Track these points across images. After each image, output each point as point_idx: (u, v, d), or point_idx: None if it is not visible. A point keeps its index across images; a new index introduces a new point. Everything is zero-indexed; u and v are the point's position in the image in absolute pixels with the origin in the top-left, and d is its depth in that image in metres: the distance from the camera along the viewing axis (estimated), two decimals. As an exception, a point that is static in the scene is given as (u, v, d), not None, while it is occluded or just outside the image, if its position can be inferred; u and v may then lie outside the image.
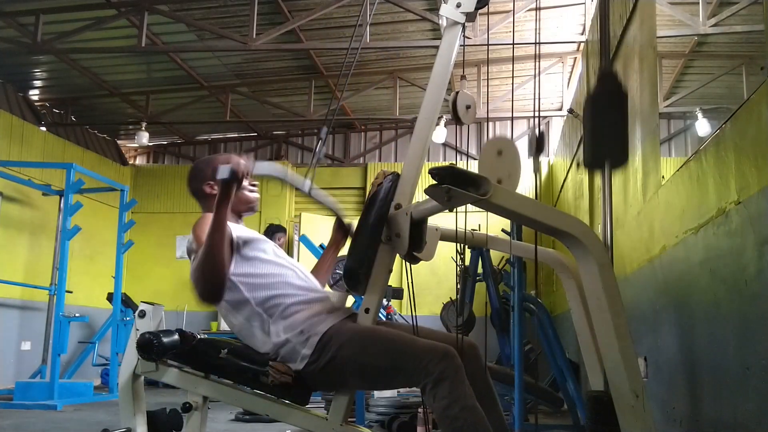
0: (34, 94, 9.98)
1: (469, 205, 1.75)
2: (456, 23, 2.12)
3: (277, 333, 2.16)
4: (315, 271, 2.57)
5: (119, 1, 7.35)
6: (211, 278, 2.12)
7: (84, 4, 7.32)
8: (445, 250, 3.27)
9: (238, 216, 2.46)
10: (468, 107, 2.03)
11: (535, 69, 3.55)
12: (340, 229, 2.59)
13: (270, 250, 2.35)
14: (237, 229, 2.32)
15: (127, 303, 8.44)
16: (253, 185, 2.47)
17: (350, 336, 2.10)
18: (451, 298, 6.10)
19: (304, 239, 6.73)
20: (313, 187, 2.46)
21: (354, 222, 2.40)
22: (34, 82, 9.66)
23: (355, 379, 2.13)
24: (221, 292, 2.17)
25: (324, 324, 2.15)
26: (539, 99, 8.97)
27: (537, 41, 6.65)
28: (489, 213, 1.80)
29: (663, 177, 3.51)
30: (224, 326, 9.90)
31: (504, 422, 2.21)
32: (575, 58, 8.98)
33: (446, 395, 1.92)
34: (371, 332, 2.12)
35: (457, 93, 2.06)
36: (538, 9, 6.87)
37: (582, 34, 7.84)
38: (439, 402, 1.92)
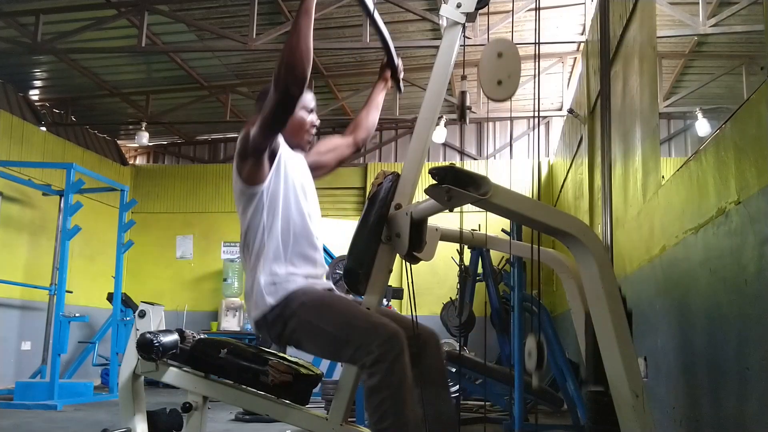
0: (34, 94, 9.98)
1: (469, 205, 1.75)
2: (456, 23, 2.12)
3: (260, 272, 2.22)
4: (365, 109, 2.67)
5: (119, 1, 7.35)
6: (301, 57, 2.00)
7: (84, 4, 7.32)
8: (446, 251, 3.27)
9: (290, 148, 2.42)
10: (468, 108, 2.03)
11: (534, 69, 3.54)
12: (388, 65, 2.59)
13: (308, 192, 2.40)
14: (287, 154, 2.34)
15: (127, 303, 8.45)
16: (311, 110, 2.45)
17: (312, 298, 2.17)
18: (451, 298, 6.10)
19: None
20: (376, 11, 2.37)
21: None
22: (34, 82, 9.66)
23: (308, 342, 2.18)
24: (307, 73, 2.04)
25: (296, 284, 2.21)
26: (539, 99, 8.97)
27: (537, 41, 6.66)
28: (489, 213, 1.80)
29: (663, 177, 3.51)
30: (224, 326, 9.91)
31: (453, 414, 2.23)
32: (575, 58, 8.98)
33: (379, 377, 1.95)
34: (331, 300, 2.19)
35: (464, 92, 2.06)
36: (537, 9, 6.87)
37: (582, 34, 7.84)
38: (370, 381, 1.96)
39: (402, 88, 2.63)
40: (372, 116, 2.68)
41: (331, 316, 2.12)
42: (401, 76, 2.61)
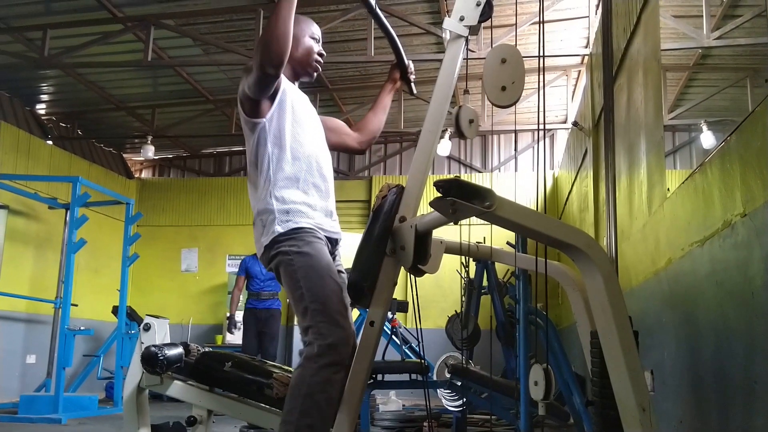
0: (40, 108, 10.05)
1: (473, 218, 1.75)
2: (459, 36, 2.12)
3: (272, 198, 2.27)
4: (372, 111, 2.75)
5: (126, 16, 7.41)
6: (278, 40, 2.09)
7: (91, 19, 7.38)
8: (450, 263, 3.27)
9: (295, 78, 2.51)
10: (471, 121, 2.03)
11: (539, 82, 3.54)
12: (398, 66, 2.60)
13: (315, 127, 2.47)
14: (292, 91, 2.42)
15: (132, 316, 8.44)
16: (318, 40, 2.54)
17: (312, 253, 2.21)
18: (456, 311, 6.08)
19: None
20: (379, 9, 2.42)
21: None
22: (41, 96, 9.72)
23: (285, 283, 2.24)
24: (284, 56, 2.14)
25: (306, 221, 2.26)
26: (544, 111, 8.99)
27: (542, 54, 6.67)
28: (494, 226, 1.79)
29: (668, 189, 3.50)
30: (229, 339, 9.89)
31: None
32: (579, 71, 8.99)
33: (312, 369, 2.02)
34: (323, 270, 2.20)
35: (460, 107, 2.06)
36: (542, 23, 6.89)
37: (586, 47, 7.87)
38: (302, 370, 2.03)
39: (414, 89, 2.63)
40: (378, 118, 2.73)
41: (314, 283, 2.17)
42: (413, 77, 2.63)
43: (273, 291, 7.19)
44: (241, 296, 7.42)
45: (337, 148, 2.69)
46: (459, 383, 4.38)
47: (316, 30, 2.55)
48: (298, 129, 2.37)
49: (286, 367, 2.32)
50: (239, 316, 7.44)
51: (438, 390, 4.84)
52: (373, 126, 2.71)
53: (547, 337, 4.39)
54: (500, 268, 5.21)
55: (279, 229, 2.24)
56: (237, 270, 10.67)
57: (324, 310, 2.12)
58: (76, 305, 7.26)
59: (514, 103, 1.89)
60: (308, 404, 2.01)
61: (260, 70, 2.14)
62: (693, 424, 3.03)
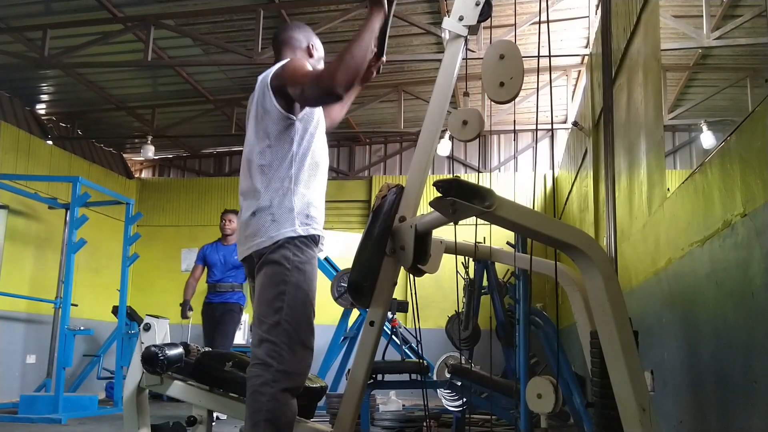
0: (40, 108, 10.05)
1: (473, 218, 1.75)
2: (459, 36, 2.12)
3: (293, 195, 2.27)
4: None
5: (126, 16, 7.41)
6: (359, 69, 2.15)
7: (91, 19, 7.38)
8: (450, 263, 3.27)
9: None
10: (465, 123, 2.03)
11: (537, 82, 3.54)
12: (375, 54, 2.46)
13: (324, 133, 2.51)
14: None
15: (132, 316, 8.44)
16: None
17: (307, 270, 2.23)
18: (456, 311, 6.07)
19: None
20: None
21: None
22: (41, 96, 9.72)
23: (268, 287, 2.19)
24: (355, 82, 2.22)
25: (319, 228, 2.33)
26: (544, 109, 8.98)
27: (548, 54, 6.67)
28: (494, 225, 1.80)
29: (668, 189, 3.50)
30: (229, 339, 9.90)
31: None
32: (579, 71, 9.00)
33: (271, 396, 2.03)
34: (311, 293, 2.23)
35: (449, 113, 2.06)
36: (544, 22, 6.89)
37: (586, 47, 7.87)
38: (261, 396, 2.04)
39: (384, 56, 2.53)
40: (344, 108, 2.77)
41: (297, 304, 2.16)
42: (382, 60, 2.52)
43: (233, 283, 6.38)
44: (196, 285, 6.60)
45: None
46: (459, 383, 4.38)
47: (320, 48, 2.64)
48: (319, 135, 2.41)
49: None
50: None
51: (438, 390, 4.84)
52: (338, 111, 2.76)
53: (558, 342, 4.39)
54: (500, 268, 5.21)
55: (300, 231, 2.24)
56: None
57: (294, 336, 2.11)
58: (76, 305, 7.26)
59: (513, 99, 1.89)
60: (270, 429, 2.01)
61: (330, 89, 2.12)
62: (693, 424, 3.03)
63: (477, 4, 2.09)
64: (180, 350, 2.19)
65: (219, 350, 2.33)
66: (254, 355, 2.08)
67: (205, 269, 6.51)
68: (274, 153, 2.30)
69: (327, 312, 6.32)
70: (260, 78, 2.38)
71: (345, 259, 5.90)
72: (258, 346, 2.10)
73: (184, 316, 6.49)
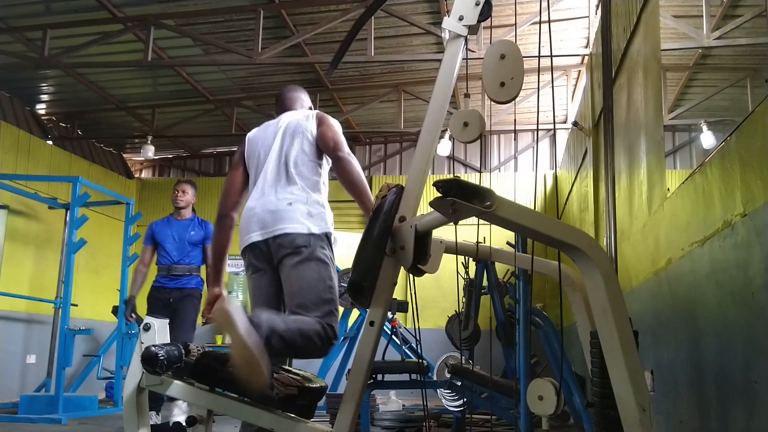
0: (41, 108, 10.05)
1: (473, 218, 1.75)
2: (458, 36, 2.12)
3: (323, 197, 2.86)
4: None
5: (126, 16, 7.41)
6: (359, 177, 2.81)
7: (91, 19, 7.38)
8: (451, 263, 3.27)
9: None
10: (466, 124, 2.02)
11: (538, 82, 3.56)
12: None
13: None
14: None
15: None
16: None
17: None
18: (456, 311, 6.07)
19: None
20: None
21: None
22: (41, 96, 9.73)
23: (318, 274, 2.62)
24: None
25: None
26: (554, 110, 8.98)
27: (544, 54, 6.67)
28: (494, 225, 1.80)
29: (668, 189, 3.50)
30: (229, 339, 9.88)
31: None
32: (579, 71, 9.00)
33: (320, 335, 2.47)
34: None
35: (449, 114, 2.06)
36: (544, 22, 6.89)
37: (586, 47, 7.87)
38: (318, 327, 2.49)
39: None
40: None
41: (336, 285, 2.68)
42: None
43: (191, 265, 5.41)
44: (147, 273, 5.54)
45: None
46: (459, 383, 4.38)
47: None
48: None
49: (287, 367, 2.32)
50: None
51: (438, 390, 4.84)
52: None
53: (561, 342, 4.39)
54: (500, 268, 5.21)
55: (331, 229, 2.76)
56: (237, 270, 10.73)
57: (337, 309, 2.62)
58: (76, 305, 7.26)
59: (513, 99, 1.89)
60: (296, 337, 2.36)
61: (346, 163, 2.76)
62: (693, 424, 3.03)
63: (477, 4, 2.08)
64: (180, 350, 2.18)
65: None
66: (321, 315, 2.51)
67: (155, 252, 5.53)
68: (311, 158, 2.84)
69: (327, 312, 6.31)
70: (306, 112, 2.99)
71: (345, 259, 5.90)
72: (321, 314, 2.52)
73: (128, 316, 5.53)
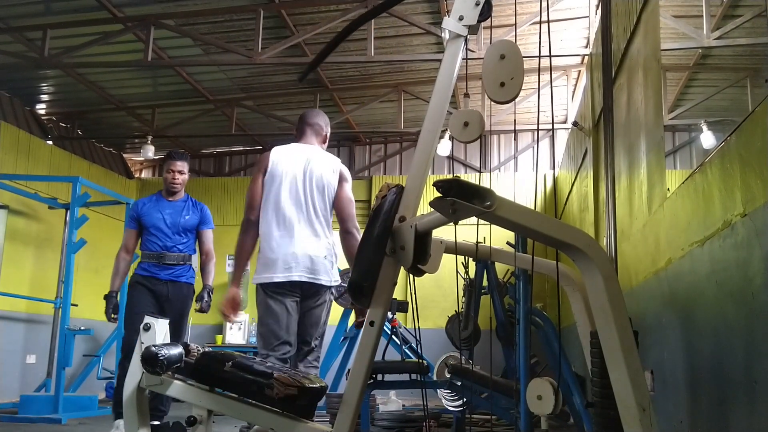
0: (41, 108, 10.05)
1: (473, 218, 1.75)
2: (458, 36, 2.12)
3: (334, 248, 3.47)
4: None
5: (126, 16, 7.41)
6: (355, 245, 3.25)
7: (91, 19, 7.39)
8: (451, 263, 3.27)
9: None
10: (466, 124, 2.02)
11: (538, 82, 3.56)
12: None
13: None
14: None
15: (132, 316, 8.40)
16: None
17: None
18: (456, 311, 6.07)
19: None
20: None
21: None
22: (41, 96, 9.72)
23: (322, 319, 3.46)
24: None
25: None
26: (553, 110, 8.98)
27: (544, 54, 6.67)
28: (494, 225, 1.79)
29: (668, 189, 3.50)
30: (229, 339, 9.89)
31: None
32: (579, 71, 9.00)
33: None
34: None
35: (449, 114, 2.06)
36: (541, 23, 6.90)
37: (586, 47, 7.87)
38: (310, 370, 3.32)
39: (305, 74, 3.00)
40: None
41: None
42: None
43: (186, 253, 4.67)
44: (131, 263, 4.81)
45: None
46: (459, 383, 4.38)
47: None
48: None
49: (287, 368, 2.32)
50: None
51: (438, 390, 4.84)
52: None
53: (559, 342, 4.39)
54: (500, 268, 5.21)
55: (339, 280, 3.45)
56: (230, 269, 10.58)
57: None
58: (76, 305, 7.26)
59: (513, 99, 1.89)
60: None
61: (349, 238, 3.42)
62: (693, 424, 3.03)
63: (477, 4, 2.08)
64: (180, 350, 2.18)
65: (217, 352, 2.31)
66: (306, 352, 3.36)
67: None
68: (324, 213, 3.37)
69: (327, 312, 6.32)
70: (331, 163, 3.42)
71: (345, 259, 5.90)
72: (311, 354, 3.37)
73: (109, 315, 4.72)
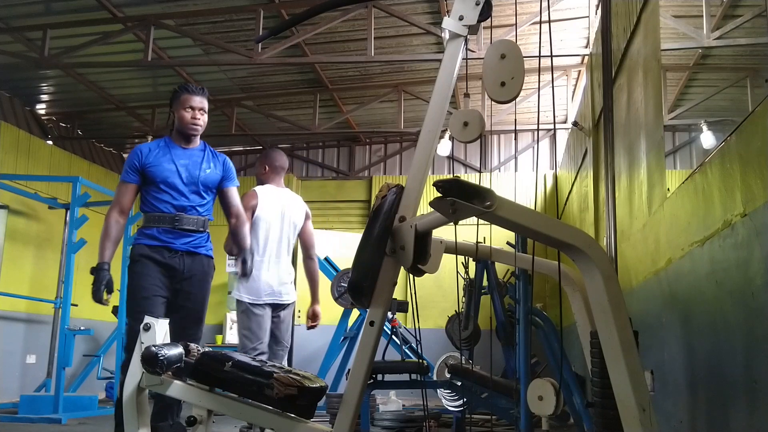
0: (41, 108, 10.05)
1: (473, 218, 1.75)
2: (458, 36, 2.12)
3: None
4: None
5: (126, 16, 7.41)
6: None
7: (91, 19, 7.39)
8: (451, 263, 3.28)
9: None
10: (466, 124, 2.02)
11: (538, 82, 3.57)
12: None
13: None
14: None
15: (132, 316, 8.39)
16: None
17: None
18: (456, 311, 6.07)
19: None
20: None
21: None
22: (41, 96, 9.72)
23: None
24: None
25: None
26: (554, 110, 8.98)
27: (544, 54, 6.67)
28: (494, 225, 1.79)
29: (668, 189, 3.50)
30: (229, 339, 9.89)
31: None
32: (579, 71, 9.00)
33: None
34: None
35: (449, 114, 2.06)
36: (541, 23, 6.90)
37: (586, 47, 7.87)
38: None
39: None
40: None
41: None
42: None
43: (206, 217, 3.65)
44: (124, 228, 3.71)
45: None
46: (459, 383, 4.38)
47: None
48: None
49: (287, 368, 2.32)
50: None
51: (438, 390, 4.84)
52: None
53: (560, 342, 4.39)
54: (500, 268, 5.21)
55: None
56: (236, 270, 10.49)
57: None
58: (76, 305, 7.26)
59: (513, 99, 1.89)
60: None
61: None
62: (693, 424, 3.03)
63: (477, 4, 2.08)
64: (180, 350, 2.18)
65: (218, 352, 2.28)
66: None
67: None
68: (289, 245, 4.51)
69: (327, 312, 6.32)
70: (300, 206, 4.57)
71: (345, 259, 5.90)
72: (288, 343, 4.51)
73: (100, 295, 3.52)
